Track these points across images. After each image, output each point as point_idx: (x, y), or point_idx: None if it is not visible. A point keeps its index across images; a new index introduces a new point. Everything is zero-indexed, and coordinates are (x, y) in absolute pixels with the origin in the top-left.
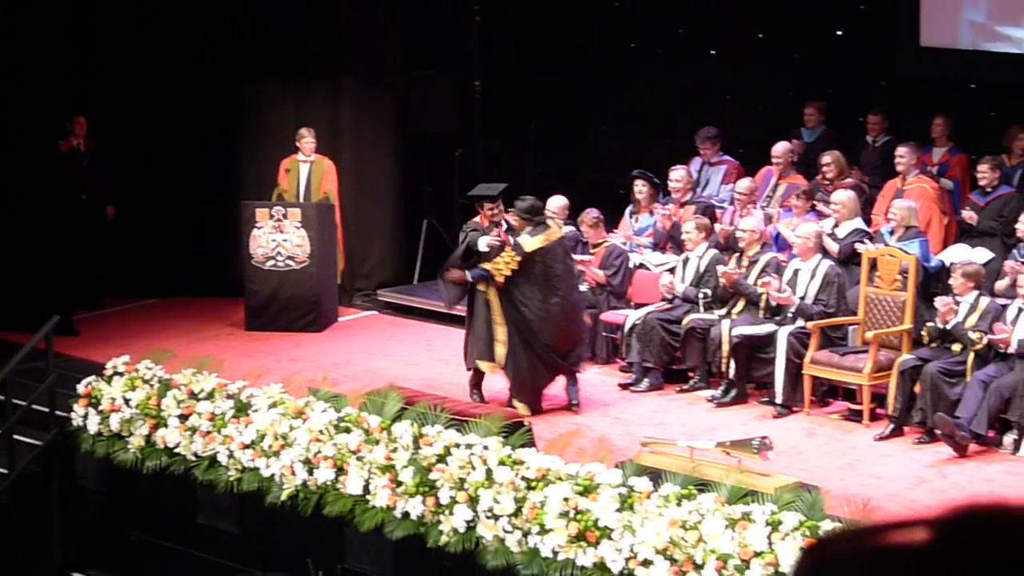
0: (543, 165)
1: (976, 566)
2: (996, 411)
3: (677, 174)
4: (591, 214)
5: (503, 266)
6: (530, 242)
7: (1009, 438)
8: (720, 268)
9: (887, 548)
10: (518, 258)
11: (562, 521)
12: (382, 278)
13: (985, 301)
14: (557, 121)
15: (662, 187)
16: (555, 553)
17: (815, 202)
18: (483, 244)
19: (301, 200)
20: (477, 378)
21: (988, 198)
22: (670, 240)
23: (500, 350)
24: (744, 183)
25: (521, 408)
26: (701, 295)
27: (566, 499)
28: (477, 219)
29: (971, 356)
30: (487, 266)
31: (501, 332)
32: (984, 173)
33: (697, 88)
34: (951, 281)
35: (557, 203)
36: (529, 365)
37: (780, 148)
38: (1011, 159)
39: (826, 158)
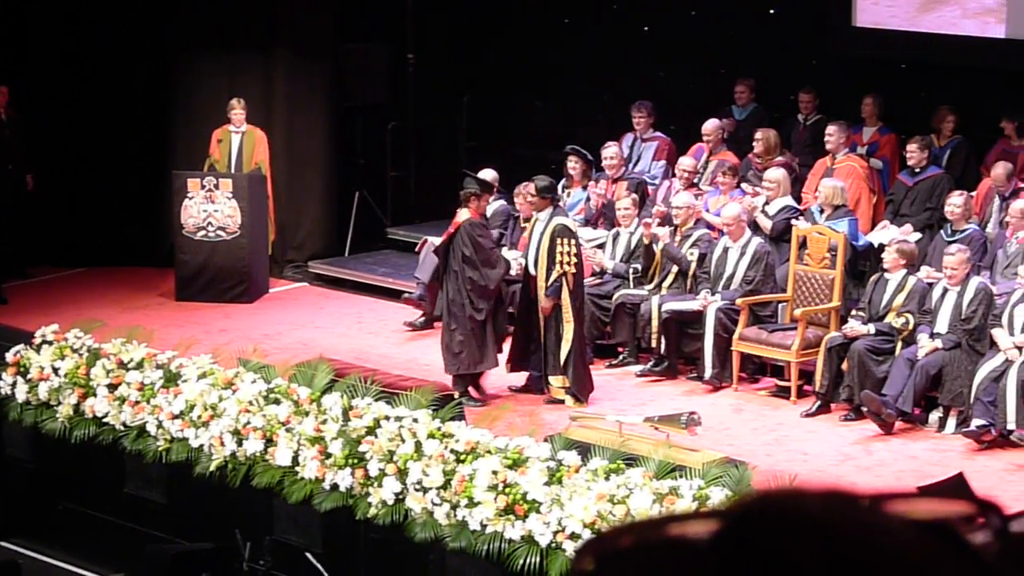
0: (476, 139)
1: (754, 559)
2: (922, 389)
3: (610, 151)
4: (529, 187)
5: (569, 259)
6: (572, 223)
7: (935, 416)
8: (645, 223)
9: (671, 540)
10: (575, 241)
11: (491, 494)
12: (313, 250)
13: (912, 281)
14: (490, 95)
15: (595, 163)
16: (483, 526)
17: (743, 180)
18: (514, 270)
19: (233, 171)
20: (476, 377)
21: (917, 179)
22: (602, 216)
23: (565, 348)
24: (687, 161)
25: (571, 400)
26: (631, 270)
27: (495, 472)
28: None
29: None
30: (558, 271)
31: (568, 329)
32: (913, 153)
33: (630, 64)
34: (884, 255)
35: (488, 176)
36: (584, 356)
37: (710, 125)
38: (940, 140)
39: (757, 134)
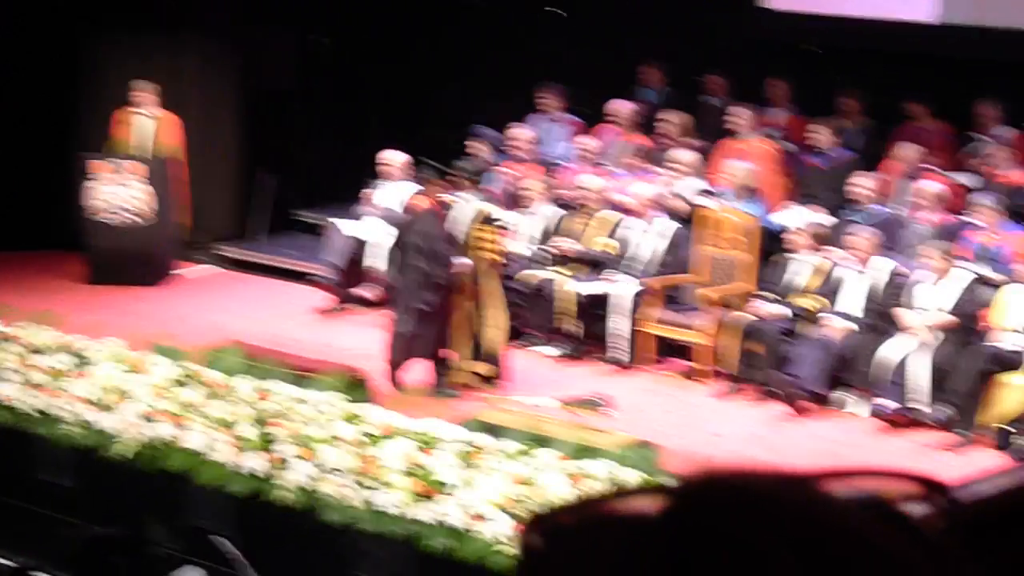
0: (385, 121)
1: (700, 537)
2: (831, 370)
3: (517, 131)
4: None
5: (492, 244)
6: (495, 209)
7: (843, 396)
8: (558, 240)
9: (622, 517)
10: (497, 228)
11: (403, 477)
12: (222, 233)
13: (821, 262)
14: (398, 77)
15: (498, 145)
16: (396, 508)
17: (654, 162)
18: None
19: (144, 155)
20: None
21: (827, 161)
22: (512, 199)
23: (498, 336)
24: (588, 141)
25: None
26: (542, 252)
27: (407, 455)
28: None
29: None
30: (482, 259)
31: (501, 317)
32: (823, 136)
33: (539, 46)
34: (795, 238)
35: (399, 159)
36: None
37: (622, 107)
38: (850, 122)
39: (671, 117)
